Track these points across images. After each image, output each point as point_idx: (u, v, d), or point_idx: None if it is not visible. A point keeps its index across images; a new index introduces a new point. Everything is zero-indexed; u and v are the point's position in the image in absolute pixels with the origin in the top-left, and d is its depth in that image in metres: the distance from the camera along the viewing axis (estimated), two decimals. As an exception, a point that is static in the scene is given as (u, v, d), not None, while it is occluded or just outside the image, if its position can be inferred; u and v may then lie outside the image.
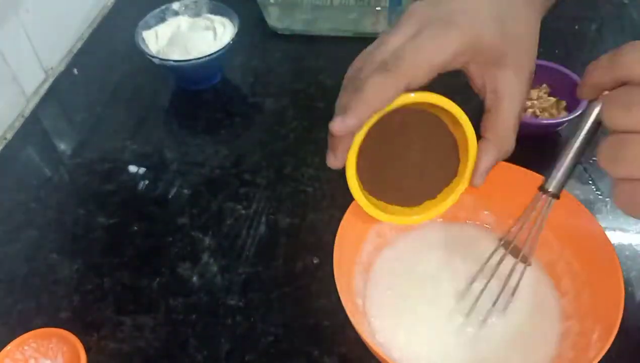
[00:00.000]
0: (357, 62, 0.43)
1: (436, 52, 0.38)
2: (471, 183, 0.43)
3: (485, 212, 0.55)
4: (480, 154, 0.42)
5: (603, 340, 0.42)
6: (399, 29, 0.41)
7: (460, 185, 0.45)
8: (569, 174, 0.40)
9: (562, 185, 0.41)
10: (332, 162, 0.42)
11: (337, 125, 0.38)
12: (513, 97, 0.41)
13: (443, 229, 0.54)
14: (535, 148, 0.55)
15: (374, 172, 0.45)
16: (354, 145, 0.42)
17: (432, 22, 0.39)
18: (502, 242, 0.46)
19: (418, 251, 0.53)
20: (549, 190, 0.41)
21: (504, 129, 0.42)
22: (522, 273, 0.46)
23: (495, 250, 0.47)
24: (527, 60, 0.41)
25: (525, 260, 0.45)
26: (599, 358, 0.41)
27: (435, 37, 0.39)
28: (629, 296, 0.45)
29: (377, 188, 0.46)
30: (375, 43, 0.43)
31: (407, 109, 0.42)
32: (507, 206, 0.53)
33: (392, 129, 0.44)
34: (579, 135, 0.38)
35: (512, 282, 0.46)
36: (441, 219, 0.55)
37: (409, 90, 0.39)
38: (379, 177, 0.46)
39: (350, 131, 0.39)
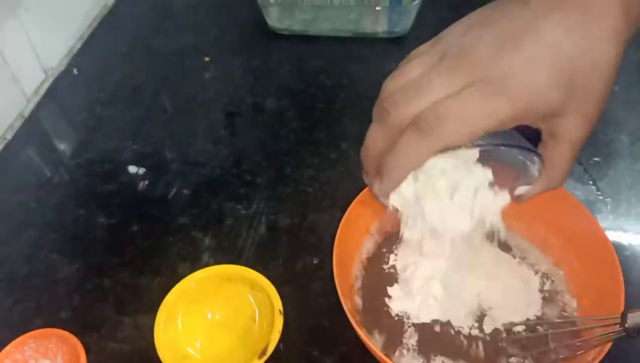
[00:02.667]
0: (390, 87, 0.38)
1: (484, 120, 0.33)
2: (514, 200, 0.42)
3: None
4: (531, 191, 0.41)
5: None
6: (445, 70, 0.34)
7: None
8: None
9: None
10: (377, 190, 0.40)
11: (375, 190, 0.39)
12: (572, 144, 0.37)
13: None
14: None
15: None
16: None
17: (482, 80, 0.33)
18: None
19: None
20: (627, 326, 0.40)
21: (557, 171, 0.39)
22: None
23: None
24: (594, 108, 0.36)
25: None
26: (600, 359, 0.41)
27: (484, 101, 0.33)
28: (629, 296, 0.45)
29: None
30: (412, 69, 0.36)
31: None
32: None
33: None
34: None
35: None
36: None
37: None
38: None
39: (386, 194, 0.39)
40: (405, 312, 0.49)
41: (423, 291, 0.49)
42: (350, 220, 0.49)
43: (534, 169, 0.40)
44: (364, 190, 0.51)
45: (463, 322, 0.48)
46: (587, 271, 0.48)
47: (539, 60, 0.33)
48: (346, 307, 0.44)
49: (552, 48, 0.33)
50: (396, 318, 0.49)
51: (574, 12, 0.33)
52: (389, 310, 0.49)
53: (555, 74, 0.33)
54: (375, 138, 0.38)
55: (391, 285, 0.51)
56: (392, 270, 0.52)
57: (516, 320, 0.48)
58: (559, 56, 0.33)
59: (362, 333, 0.43)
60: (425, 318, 0.48)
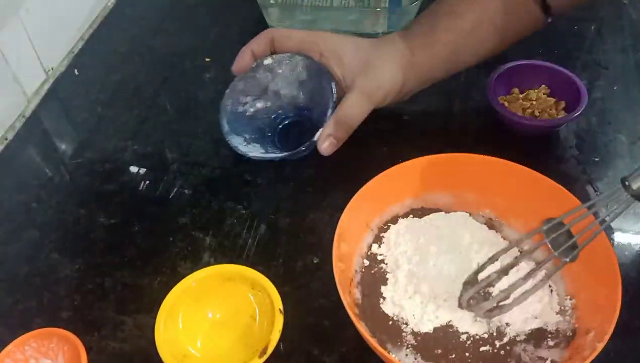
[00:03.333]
0: None
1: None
2: (319, 148, 0.58)
3: (487, 210, 0.55)
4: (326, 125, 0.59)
5: (598, 340, 0.42)
6: None
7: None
8: None
9: None
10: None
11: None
12: (352, 105, 0.59)
13: (445, 219, 0.55)
14: (535, 148, 0.55)
15: None
16: None
17: None
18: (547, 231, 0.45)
19: (421, 244, 0.53)
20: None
21: (340, 115, 0.59)
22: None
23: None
24: (371, 88, 0.59)
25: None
26: (592, 357, 0.41)
27: None
28: (628, 296, 0.45)
29: None
30: None
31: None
32: (507, 203, 0.54)
33: None
34: None
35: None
36: (443, 211, 0.56)
37: None
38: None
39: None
40: (401, 317, 0.49)
41: (411, 294, 0.49)
42: (349, 216, 0.50)
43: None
44: (364, 185, 0.51)
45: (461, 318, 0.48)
46: (586, 271, 0.48)
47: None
48: (345, 301, 0.44)
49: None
50: (391, 322, 0.49)
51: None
52: (384, 311, 0.49)
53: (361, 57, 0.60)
54: None
55: (385, 284, 0.51)
56: (383, 266, 0.52)
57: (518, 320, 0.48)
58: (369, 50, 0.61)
59: (360, 326, 0.43)
60: (424, 327, 0.48)
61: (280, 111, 0.65)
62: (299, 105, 0.65)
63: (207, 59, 0.78)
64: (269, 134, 0.65)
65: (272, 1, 0.78)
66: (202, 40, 0.82)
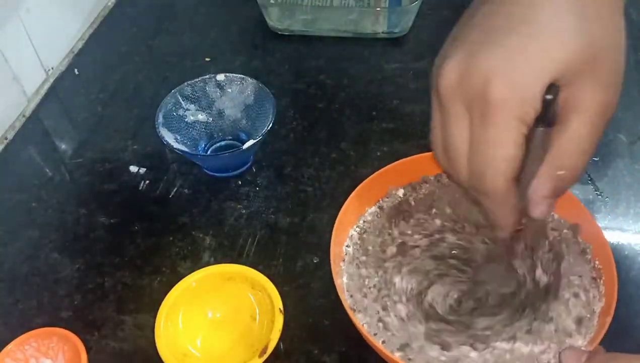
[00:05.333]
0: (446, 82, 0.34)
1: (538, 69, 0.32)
2: (530, 214, 0.37)
3: None
4: (537, 177, 0.35)
5: (593, 340, 0.42)
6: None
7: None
8: None
9: None
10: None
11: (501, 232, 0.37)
12: (588, 113, 0.33)
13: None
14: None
15: None
16: None
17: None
18: None
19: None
20: None
21: (568, 150, 0.33)
22: None
23: None
24: (612, 79, 0.34)
25: None
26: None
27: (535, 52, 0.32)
28: (628, 296, 0.45)
29: None
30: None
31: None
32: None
33: None
34: None
35: None
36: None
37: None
38: None
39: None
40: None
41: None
42: (346, 214, 0.50)
43: None
44: (360, 185, 0.51)
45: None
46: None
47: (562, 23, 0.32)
48: (344, 302, 0.44)
49: (572, 14, 0.32)
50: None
51: None
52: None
53: (577, 34, 0.32)
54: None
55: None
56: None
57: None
58: (579, 21, 0.32)
59: (355, 319, 0.43)
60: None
61: (220, 133, 0.66)
62: (239, 128, 0.65)
63: (207, 59, 0.78)
64: (203, 146, 0.65)
65: (272, 1, 0.78)
66: (202, 40, 0.82)
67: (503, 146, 0.32)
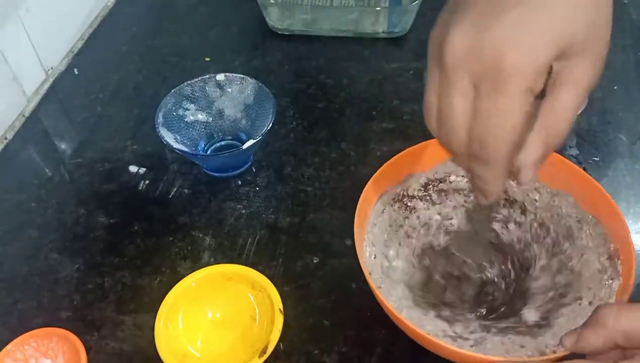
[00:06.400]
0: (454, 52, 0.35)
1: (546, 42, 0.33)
2: (520, 181, 0.38)
3: None
4: (527, 146, 0.37)
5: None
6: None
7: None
8: None
9: None
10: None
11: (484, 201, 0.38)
12: (576, 87, 0.35)
13: None
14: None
15: None
16: None
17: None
18: None
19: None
20: None
21: (557, 119, 0.36)
22: None
23: None
24: (601, 57, 0.35)
25: None
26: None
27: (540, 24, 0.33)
28: (629, 297, 0.45)
29: None
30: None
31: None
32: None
33: None
34: None
35: None
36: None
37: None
38: None
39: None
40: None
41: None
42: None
43: None
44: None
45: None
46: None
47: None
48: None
49: None
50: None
51: None
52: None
53: (582, 10, 0.33)
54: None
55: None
56: None
57: None
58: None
59: (372, 283, 0.44)
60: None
61: (220, 133, 0.65)
62: (239, 128, 0.65)
63: (207, 59, 0.78)
64: (203, 146, 0.65)
65: (272, 1, 0.78)
66: (202, 40, 0.82)
67: (513, 115, 0.33)
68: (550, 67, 0.34)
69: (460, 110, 0.35)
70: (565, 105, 0.35)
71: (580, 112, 0.60)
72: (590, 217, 0.49)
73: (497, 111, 0.33)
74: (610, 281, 0.46)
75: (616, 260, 0.46)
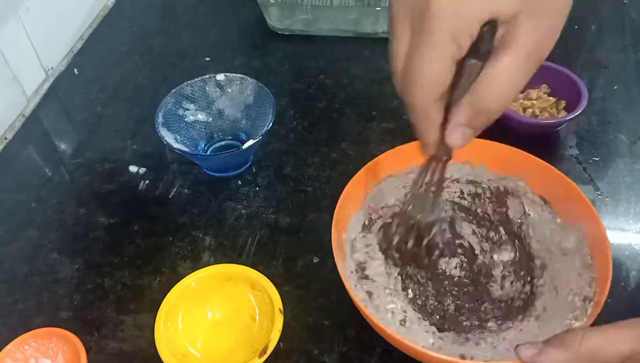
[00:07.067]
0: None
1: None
2: (446, 140, 0.37)
3: None
4: (458, 105, 0.36)
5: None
6: None
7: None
8: None
9: None
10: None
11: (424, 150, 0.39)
12: (517, 49, 0.33)
13: None
14: (535, 148, 0.55)
15: None
16: None
17: None
18: None
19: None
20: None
21: (491, 81, 0.34)
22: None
23: None
24: (549, 22, 0.34)
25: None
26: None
27: None
28: (628, 296, 0.45)
29: None
30: None
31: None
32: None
33: None
34: None
35: None
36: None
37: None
38: None
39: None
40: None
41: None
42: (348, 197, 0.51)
43: None
44: (360, 170, 0.51)
45: None
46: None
47: None
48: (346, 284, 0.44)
49: None
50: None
51: None
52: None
53: None
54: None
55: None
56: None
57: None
58: None
59: (354, 296, 0.43)
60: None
61: (219, 133, 0.65)
62: (239, 128, 0.65)
63: (207, 59, 0.78)
64: (203, 146, 0.65)
65: (272, 1, 0.78)
66: (202, 40, 0.82)
67: (432, 61, 0.33)
68: (493, 29, 0.33)
69: (399, 55, 0.35)
70: (502, 68, 0.33)
71: (580, 112, 0.60)
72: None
73: (418, 54, 0.33)
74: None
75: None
